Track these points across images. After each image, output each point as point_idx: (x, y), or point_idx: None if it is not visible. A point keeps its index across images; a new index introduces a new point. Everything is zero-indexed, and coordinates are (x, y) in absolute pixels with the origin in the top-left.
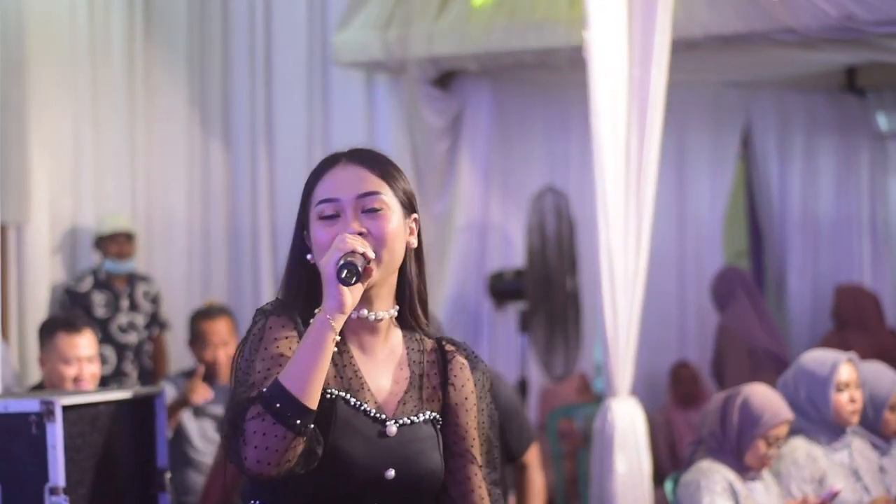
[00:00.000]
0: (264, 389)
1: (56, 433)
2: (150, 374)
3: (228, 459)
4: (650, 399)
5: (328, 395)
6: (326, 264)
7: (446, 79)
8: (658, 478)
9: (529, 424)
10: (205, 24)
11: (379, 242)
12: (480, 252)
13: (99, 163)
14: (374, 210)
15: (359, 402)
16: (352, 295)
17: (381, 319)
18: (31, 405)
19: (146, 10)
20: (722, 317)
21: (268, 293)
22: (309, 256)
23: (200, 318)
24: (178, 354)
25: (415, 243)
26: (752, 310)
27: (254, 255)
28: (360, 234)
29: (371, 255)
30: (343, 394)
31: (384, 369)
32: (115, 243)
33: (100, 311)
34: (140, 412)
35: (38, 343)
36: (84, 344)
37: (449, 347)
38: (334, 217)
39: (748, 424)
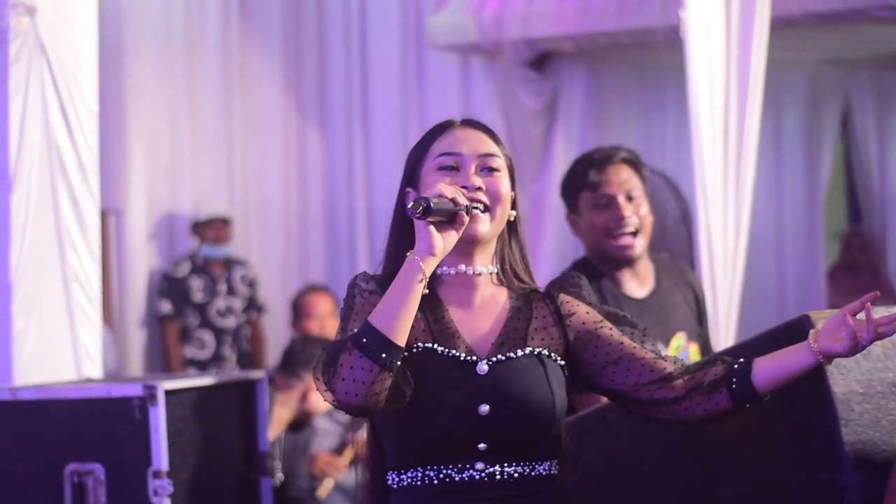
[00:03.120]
0: (355, 330)
1: (159, 417)
2: (248, 358)
3: (324, 399)
4: None
5: (415, 349)
6: None
7: (542, 60)
8: None
9: None
10: (300, 8)
11: (494, 199)
12: None
13: (195, 149)
14: (493, 169)
15: (448, 350)
16: (443, 241)
17: (479, 274)
18: (134, 389)
19: None
20: None
21: None
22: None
23: (304, 294)
24: (276, 338)
25: (513, 215)
26: None
27: (350, 239)
28: (479, 188)
29: (463, 201)
30: (431, 345)
31: (481, 318)
32: (212, 228)
33: (198, 295)
34: (242, 396)
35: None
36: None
37: (553, 290)
38: (453, 169)
39: None
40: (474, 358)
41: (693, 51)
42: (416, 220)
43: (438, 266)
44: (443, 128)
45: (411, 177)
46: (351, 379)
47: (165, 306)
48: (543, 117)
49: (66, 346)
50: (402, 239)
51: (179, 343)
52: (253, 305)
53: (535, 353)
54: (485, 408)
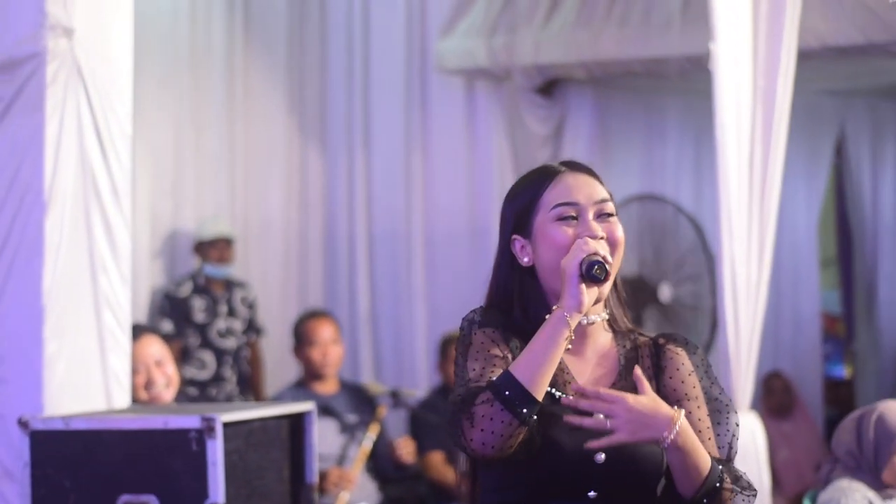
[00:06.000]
0: (494, 378)
1: (217, 449)
2: (247, 380)
3: (452, 441)
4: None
5: None
6: (569, 264)
7: (549, 86)
8: None
9: None
10: (304, 29)
11: (614, 246)
12: None
13: (199, 167)
14: (609, 215)
15: (564, 395)
16: (589, 296)
17: (592, 323)
18: (192, 421)
19: (246, 16)
20: None
21: (364, 299)
22: (526, 259)
23: (306, 319)
24: (274, 360)
25: None
26: None
27: (350, 261)
28: (602, 237)
29: (609, 259)
30: (550, 389)
31: (593, 366)
32: (215, 249)
33: (199, 316)
34: (291, 427)
35: None
36: (146, 351)
37: (661, 341)
38: (573, 219)
39: (884, 440)
40: None
41: (721, 83)
42: (571, 277)
43: None
44: (549, 174)
45: (521, 225)
46: (490, 431)
47: (167, 326)
48: (550, 143)
49: (96, 371)
50: (511, 281)
51: (180, 363)
52: (252, 327)
53: None
54: (601, 457)
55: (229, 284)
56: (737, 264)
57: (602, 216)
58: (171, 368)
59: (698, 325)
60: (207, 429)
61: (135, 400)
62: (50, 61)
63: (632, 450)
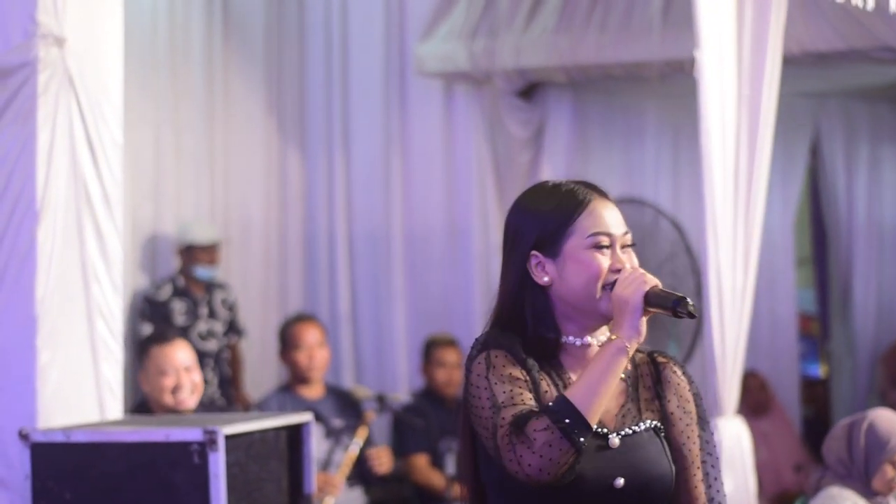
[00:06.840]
0: (550, 404)
1: (219, 462)
2: (228, 382)
3: (504, 464)
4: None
5: None
6: (631, 295)
7: (529, 90)
8: None
9: None
10: (282, 31)
11: None
12: None
13: (179, 170)
14: (631, 246)
15: None
16: (645, 325)
17: (602, 343)
18: (194, 434)
19: (224, 18)
20: None
21: (344, 301)
22: (546, 279)
23: (292, 323)
24: (254, 362)
25: None
26: None
27: (330, 263)
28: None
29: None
30: None
31: None
32: (206, 252)
33: (180, 318)
34: (289, 438)
35: (138, 365)
36: (177, 355)
37: (661, 359)
38: (607, 248)
39: (875, 449)
40: (605, 430)
41: (706, 91)
42: (634, 309)
43: (566, 336)
44: (581, 199)
45: (545, 244)
46: (549, 458)
47: (147, 329)
48: (530, 146)
49: (89, 380)
50: (522, 297)
51: None
52: (233, 329)
53: (652, 426)
54: (620, 481)
55: (209, 286)
56: (723, 271)
57: (625, 247)
58: (197, 376)
59: (680, 327)
60: (209, 441)
61: (160, 403)
62: (41, 70)
63: (647, 472)
